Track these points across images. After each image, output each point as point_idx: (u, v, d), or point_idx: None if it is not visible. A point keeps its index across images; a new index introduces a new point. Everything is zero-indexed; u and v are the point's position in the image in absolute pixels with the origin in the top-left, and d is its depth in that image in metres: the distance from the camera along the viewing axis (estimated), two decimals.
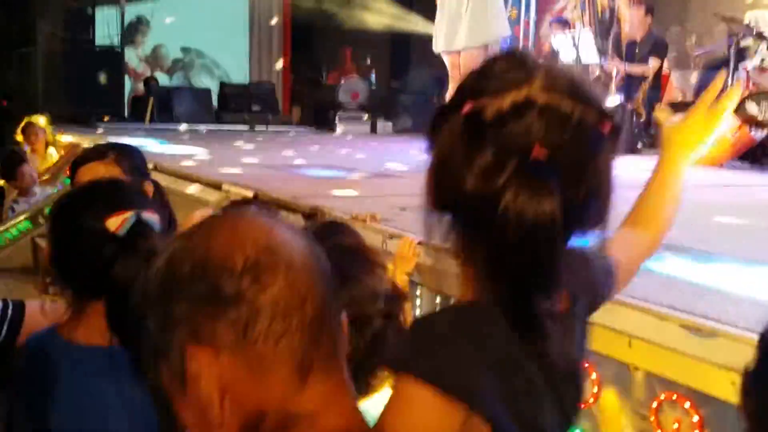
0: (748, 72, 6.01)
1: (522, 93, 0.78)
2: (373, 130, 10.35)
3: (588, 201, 0.80)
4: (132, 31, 11.27)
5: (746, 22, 6.96)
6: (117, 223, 1.30)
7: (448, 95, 4.75)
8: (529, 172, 0.76)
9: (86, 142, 6.23)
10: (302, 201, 3.21)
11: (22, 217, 5.25)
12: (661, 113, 1.26)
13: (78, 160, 2.12)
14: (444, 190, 0.81)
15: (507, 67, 0.82)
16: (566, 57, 7.58)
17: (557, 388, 0.83)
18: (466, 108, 0.79)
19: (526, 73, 0.80)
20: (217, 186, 3.82)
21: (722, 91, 1.22)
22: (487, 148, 0.77)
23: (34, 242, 4.84)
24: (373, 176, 4.50)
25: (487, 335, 0.78)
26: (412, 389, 0.74)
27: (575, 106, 0.79)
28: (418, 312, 2.24)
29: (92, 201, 1.37)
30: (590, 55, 7.31)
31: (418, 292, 2.31)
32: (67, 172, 5.73)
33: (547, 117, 0.78)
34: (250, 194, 3.48)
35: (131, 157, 2.19)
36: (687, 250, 2.36)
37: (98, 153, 2.12)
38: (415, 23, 10.47)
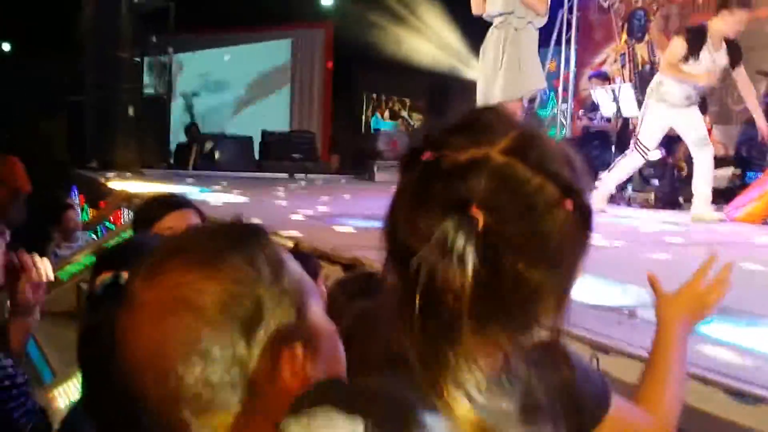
0: None
1: (482, 151, 0.74)
2: None
3: (528, 278, 0.73)
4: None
5: None
6: (99, 281, 1.32)
7: None
8: (456, 231, 0.71)
9: (133, 188, 6.38)
10: (341, 252, 3.23)
11: (80, 257, 5.30)
12: (653, 280, 1.17)
13: (154, 211, 2.16)
14: (390, 239, 0.78)
15: (479, 123, 0.78)
16: (607, 110, 7.59)
17: None
18: (426, 155, 0.75)
19: (496, 132, 0.76)
20: None
21: None
22: (432, 201, 0.73)
23: (79, 286, 4.91)
24: None
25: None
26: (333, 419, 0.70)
27: (534, 176, 0.73)
28: None
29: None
30: (630, 109, 7.30)
31: None
32: (111, 219, 5.82)
33: (498, 179, 0.73)
34: (290, 244, 3.51)
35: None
36: (733, 312, 2.32)
37: (172, 204, 2.18)
38: (458, 70, 10.62)
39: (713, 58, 5.58)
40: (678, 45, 5.67)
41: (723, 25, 5.48)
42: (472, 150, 0.74)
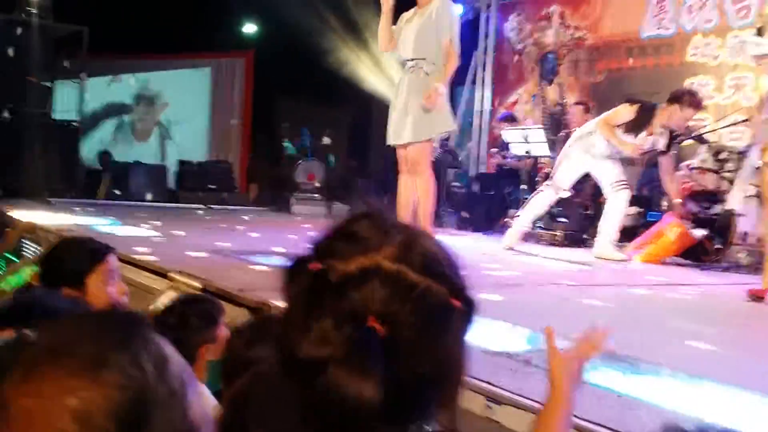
0: (691, 170, 6.27)
1: (370, 259, 0.76)
2: (329, 212, 10.43)
3: (428, 377, 0.76)
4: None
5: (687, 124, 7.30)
6: None
7: (400, 186, 4.84)
8: (358, 346, 0.72)
9: (39, 218, 6.16)
10: (249, 294, 3.21)
11: None
12: (549, 335, 1.28)
13: (81, 263, 2.11)
14: (284, 352, 0.77)
15: (364, 230, 0.79)
16: (517, 150, 7.82)
17: None
18: (313, 266, 0.77)
19: (381, 239, 0.78)
20: (163, 274, 3.81)
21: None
22: (325, 312, 0.74)
23: None
24: None
25: None
26: None
27: (423, 279, 0.76)
28: None
29: None
30: (540, 149, 7.55)
31: None
32: (12, 250, 5.59)
33: (391, 288, 0.75)
34: (197, 284, 3.47)
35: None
36: (621, 358, 2.42)
37: (97, 253, 2.14)
38: (376, 107, 10.73)
39: (652, 140, 5.87)
40: (624, 113, 5.91)
41: (670, 116, 5.78)
42: (361, 259, 0.76)
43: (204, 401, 0.81)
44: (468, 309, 0.80)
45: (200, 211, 9.12)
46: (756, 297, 3.98)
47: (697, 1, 8.01)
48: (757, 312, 3.86)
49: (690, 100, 5.82)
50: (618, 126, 5.87)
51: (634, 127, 5.82)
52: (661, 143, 5.87)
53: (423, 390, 0.76)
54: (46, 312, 1.43)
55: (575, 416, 1.78)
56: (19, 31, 8.99)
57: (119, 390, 0.69)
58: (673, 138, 5.90)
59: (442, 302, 0.77)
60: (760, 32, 3.91)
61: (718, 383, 2.21)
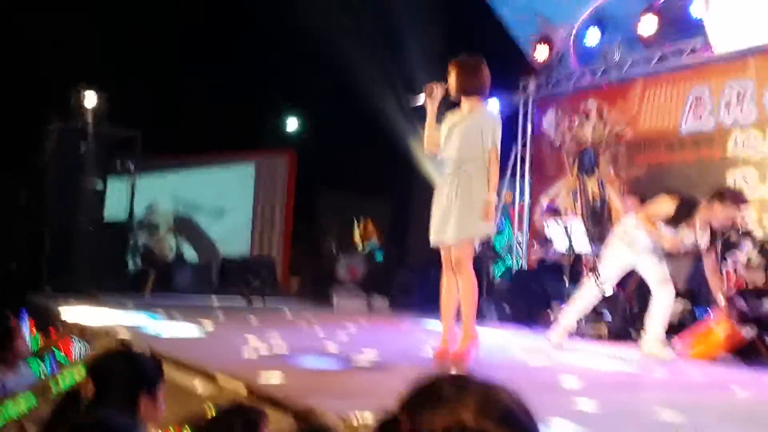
0: (736, 267, 6.18)
1: (455, 417, 0.82)
2: (369, 306, 10.44)
3: None
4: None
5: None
6: None
7: (443, 285, 4.85)
8: None
9: (86, 315, 6.28)
10: (294, 400, 3.21)
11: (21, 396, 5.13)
12: None
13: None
14: None
15: (446, 388, 0.86)
16: (559, 245, 7.81)
17: None
18: (404, 427, 0.83)
19: (462, 396, 0.84)
20: (210, 377, 3.83)
21: None
22: None
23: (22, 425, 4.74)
24: (372, 369, 4.51)
25: None
26: None
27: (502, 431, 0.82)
28: None
29: None
30: (582, 244, 7.53)
31: None
32: (62, 349, 5.69)
33: None
34: (243, 390, 3.49)
35: None
36: None
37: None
38: (416, 198, 10.87)
39: (693, 235, 5.83)
40: (665, 206, 5.90)
41: (712, 213, 5.73)
42: (446, 417, 0.83)
43: None
44: None
45: (243, 309, 9.19)
46: None
47: (734, 97, 8.07)
48: None
49: (733, 197, 5.78)
50: (659, 219, 5.84)
51: (674, 220, 5.79)
52: (704, 240, 5.81)
53: None
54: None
55: None
56: (75, 137, 9.40)
57: None
58: (715, 237, 5.82)
59: None
60: None
61: None
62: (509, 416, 0.85)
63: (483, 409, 0.84)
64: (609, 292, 6.81)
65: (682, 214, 5.77)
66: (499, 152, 5.09)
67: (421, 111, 5.22)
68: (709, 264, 5.94)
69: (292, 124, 14.56)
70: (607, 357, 5.64)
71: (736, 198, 5.76)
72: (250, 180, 13.67)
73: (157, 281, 9.82)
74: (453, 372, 0.93)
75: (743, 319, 5.78)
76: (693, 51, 8.49)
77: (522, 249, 10.33)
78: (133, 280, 10.42)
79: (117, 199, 10.31)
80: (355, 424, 2.80)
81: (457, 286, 5.05)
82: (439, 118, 5.22)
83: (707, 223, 5.76)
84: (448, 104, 5.28)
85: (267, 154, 13.87)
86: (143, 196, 11.18)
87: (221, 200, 13.10)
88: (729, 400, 4.14)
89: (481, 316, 8.02)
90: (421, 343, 5.82)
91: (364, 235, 12.45)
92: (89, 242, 9.32)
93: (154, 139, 10.51)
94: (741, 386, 4.61)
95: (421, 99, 5.13)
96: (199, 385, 3.85)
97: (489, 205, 4.98)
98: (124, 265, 10.51)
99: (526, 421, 0.86)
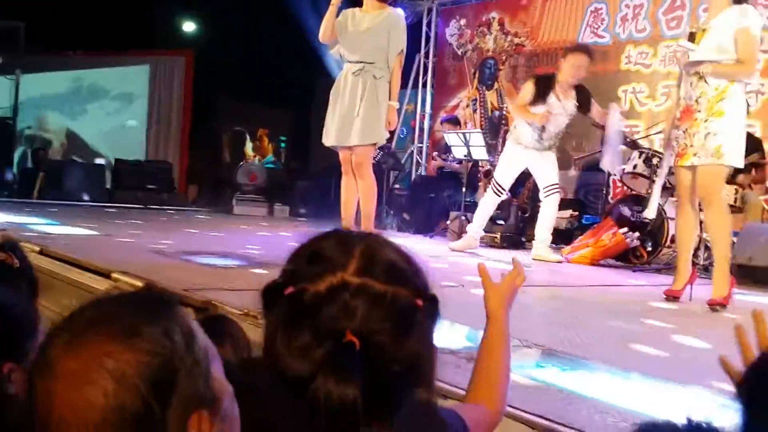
0: (622, 176, 6.48)
1: (337, 277, 0.84)
2: (270, 213, 10.41)
3: (405, 373, 0.85)
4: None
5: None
6: None
7: (342, 186, 4.91)
8: (338, 359, 0.81)
9: None
10: (194, 294, 3.21)
11: None
12: (480, 269, 1.45)
13: None
14: (272, 370, 0.86)
15: (328, 249, 0.88)
16: (458, 153, 7.96)
17: None
18: (288, 291, 0.85)
19: (343, 256, 0.86)
20: (106, 274, 3.76)
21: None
22: (304, 332, 0.83)
23: None
24: (268, 266, 4.54)
25: None
26: None
27: (388, 287, 0.85)
28: None
29: None
30: (480, 153, 7.70)
31: None
32: None
33: (360, 300, 0.83)
34: (140, 284, 3.44)
35: None
36: (560, 355, 2.52)
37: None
38: (315, 109, 10.75)
39: (562, 105, 6.04)
40: (527, 89, 6.15)
41: (565, 71, 5.98)
42: (329, 278, 0.84)
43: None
44: (432, 305, 0.88)
45: (138, 211, 8.97)
46: (671, 297, 4.16)
47: (630, 11, 8.29)
48: (678, 311, 4.04)
49: (575, 47, 6.20)
50: (527, 104, 6.05)
51: (539, 96, 6.02)
52: (571, 104, 6.06)
53: (401, 385, 0.85)
54: None
55: (522, 409, 1.87)
56: None
57: (151, 356, 0.79)
58: (584, 95, 6.09)
59: (408, 305, 0.86)
60: (691, 38, 4.08)
61: (647, 377, 2.32)
62: (393, 270, 0.87)
63: (367, 266, 0.86)
64: (505, 197, 7.03)
65: (543, 88, 6.03)
66: (403, 59, 5.12)
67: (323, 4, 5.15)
68: (597, 117, 6.21)
69: (189, 26, 13.96)
70: (499, 261, 5.87)
71: (579, 46, 6.17)
72: (145, 81, 13.11)
73: (46, 183, 9.41)
74: (331, 230, 0.93)
75: (628, 225, 6.12)
76: None
77: (422, 159, 10.47)
78: (21, 182, 9.96)
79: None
80: (254, 313, 2.83)
81: (356, 188, 5.11)
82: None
83: (570, 87, 6.03)
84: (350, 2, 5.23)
85: (163, 54, 13.29)
86: (29, 96, 10.58)
87: (114, 102, 12.55)
88: (607, 296, 4.42)
89: (380, 224, 8.16)
90: None
91: (259, 150, 12.28)
92: None
93: (41, 33, 9.85)
94: (619, 286, 4.93)
95: None
96: (95, 283, 3.77)
97: (393, 110, 5.04)
98: (9, 167, 9.99)
99: (410, 273, 0.88)
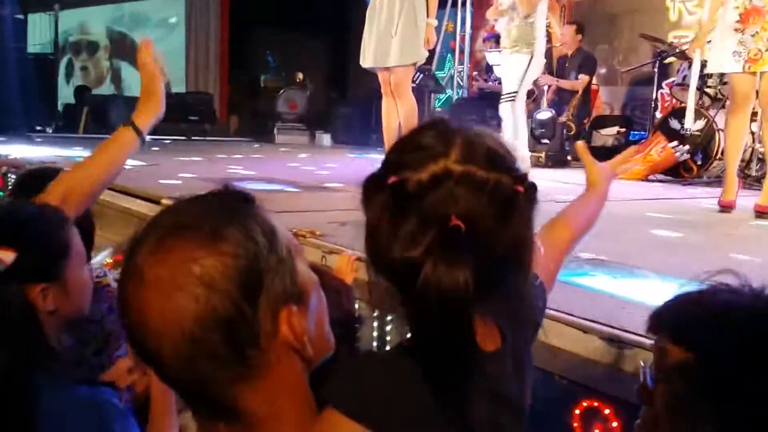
0: (671, 88, 6.30)
1: (440, 165, 0.84)
2: (312, 141, 10.42)
3: (508, 258, 0.86)
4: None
5: (670, 41, 7.29)
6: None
7: (383, 109, 4.85)
8: (446, 244, 0.81)
9: (19, 152, 6.13)
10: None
11: None
12: (579, 147, 1.50)
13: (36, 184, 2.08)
14: (377, 257, 0.87)
15: (428, 139, 0.87)
16: (500, 72, 7.78)
17: None
18: (390, 180, 0.84)
19: (444, 145, 0.86)
20: (156, 200, 3.82)
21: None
22: (410, 219, 0.83)
23: None
24: (313, 190, 4.57)
25: (414, 388, 0.84)
26: (343, 424, 0.83)
27: (490, 174, 0.85)
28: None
29: None
30: None
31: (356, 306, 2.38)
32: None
33: (464, 187, 0.83)
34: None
35: None
36: (611, 264, 2.51)
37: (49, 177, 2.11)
38: (354, 35, 10.59)
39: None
40: None
41: None
42: (431, 166, 0.84)
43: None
44: (531, 192, 0.88)
45: (182, 142, 9.06)
46: (726, 208, 4.09)
47: None
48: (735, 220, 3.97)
49: None
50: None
51: None
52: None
53: (506, 270, 0.87)
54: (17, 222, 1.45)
55: (574, 315, 1.88)
56: None
57: (236, 258, 0.82)
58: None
59: (509, 191, 0.86)
60: None
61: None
62: (494, 157, 0.87)
63: (468, 154, 0.85)
64: (545, 117, 6.89)
65: None
66: None
67: None
68: None
69: None
70: (549, 178, 5.80)
71: None
72: (181, 11, 13.03)
73: (91, 118, 9.52)
74: (428, 121, 0.93)
75: (676, 139, 5.98)
76: None
77: (463, 80, 10.29)
78: (65, 117, 10.09)
79: (40, 33, 9.76)
80: (303, 234, 2.86)
81: (398, 109, 5.05)
82: None
83: None
84: None
85: None
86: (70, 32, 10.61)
87: (154, 32, 12.53)
88: (657, 209, 4.37)
89: None
90: (367, 169, 5.86)
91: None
92: (15, 77, 8.87)
93: None
94: (670, 199, 4.85)
95: None
96: (146, 210, 3.84)
97: (431, 27, 4.92)
98: (54, 102, 10.11)
99: (509, 160, 0.89)
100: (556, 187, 5.27)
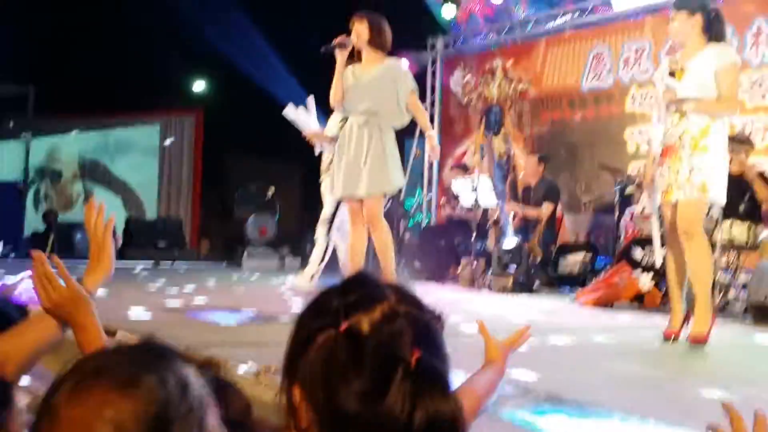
0: (632, 217, 6.43)
1: (385, 306, 0.93)
2: (282, 266, 10.39)
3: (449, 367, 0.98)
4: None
5: (629, 171, 7.52)
6: None
7: (350, 239, 4.88)
8: (420, 375, 0.88)
9: None
10: (195, 351, 3.17)
11: None
12: (480, 325, 1.62)
13: None
14: (323, 413, 0.91)
15: (364, 286, 0.96)
16: (466, 200, 7.94)
17: None
18: (343, 326, 0.90)
19: (380, 290, 0.96)
20: (111, 333, 3.73)
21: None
22: (367, 366, 0.89)
23: None
24: (275, 320, 4.50)
25: None
26: None
27: (423, 312, 0.96)
28: None
29: None
30: (489, 199, 7.68)
31: None
32: None
33: (410, 324, 0.92)
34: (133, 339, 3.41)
35: None
36: (568, 402, 2.45)
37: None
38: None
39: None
40: None
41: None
42: (379, 306, 0.93)
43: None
44: (442, 320, 1.01)
45: (149, 269, 8.98)
46: (670, 337, 4.11)
47: (633, 54, 8.34)
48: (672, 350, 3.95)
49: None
50: None
51: None
52: None
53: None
54: None
55: None
56: None
57: (147, 404, 0.84)
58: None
59: (435, 324, 0.98)
60: (672, 75, 4.09)
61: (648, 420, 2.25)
62: (417, 299, 0.99)
63: (401, 297, 0.97)
64: (511, 245, 6.98)
65: None
66: (417, 95, 5.17)
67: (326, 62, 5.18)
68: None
69: (199, 85, 14.17)
70: (515, 305, 5.80)
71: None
72: (156, 140, 13.27)
73: (57, 244, 9.45)
74: (355, 274, 1.03)
75: (639, 267, 6.04)
76: (593, 11, 8.71)
77: (431, 206, 10.46)
78: (32, 243, 10.00)
79: (9, 162, 9.82)
80: (261, 374, 2.78)
81: (367, 239, 5.08)
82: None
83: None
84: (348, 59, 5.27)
85: (174, 113, 13.47)
86: (39, 160, 10.69)
87: (125, 162, 12.70)
88: (606, 342, 4.35)
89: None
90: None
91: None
92: None
93: (50, 97, 10.02)
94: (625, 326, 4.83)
95: (333, 49, 5.07)
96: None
97: (432, 139, 5.25)
98: (20, 229, 10.06)
99: (427, 306, 1.00)
100: (522, 314, 5.27)
